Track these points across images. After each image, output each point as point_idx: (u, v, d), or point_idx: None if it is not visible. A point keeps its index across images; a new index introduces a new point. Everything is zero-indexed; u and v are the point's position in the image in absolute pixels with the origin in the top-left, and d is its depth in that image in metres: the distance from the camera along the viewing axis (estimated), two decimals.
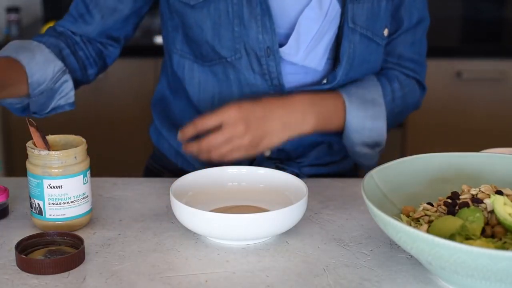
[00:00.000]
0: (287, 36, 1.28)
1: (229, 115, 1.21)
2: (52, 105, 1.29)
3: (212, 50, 1.29)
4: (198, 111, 1.35)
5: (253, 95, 1.29)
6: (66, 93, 1.30)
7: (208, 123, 1.21)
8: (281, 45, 1.28)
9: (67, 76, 1.29)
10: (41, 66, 1.25)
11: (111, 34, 1.38)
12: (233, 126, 1.20)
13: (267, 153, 1.35)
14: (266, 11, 1.25)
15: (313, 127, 1.28)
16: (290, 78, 1.31)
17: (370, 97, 1.32)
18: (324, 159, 1.40)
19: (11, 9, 2.62)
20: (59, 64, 1.28)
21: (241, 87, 1.30)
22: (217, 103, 1.32)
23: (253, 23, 1.25)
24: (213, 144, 1.21)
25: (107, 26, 1.36)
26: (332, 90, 1.31)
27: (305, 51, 1.28)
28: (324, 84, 1.31)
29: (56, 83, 1.27)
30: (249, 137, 1.21)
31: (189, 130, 1.23)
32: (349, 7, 1.27)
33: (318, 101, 1.28)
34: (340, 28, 1.29)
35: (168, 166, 1.45)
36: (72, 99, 1.31)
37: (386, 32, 1.33)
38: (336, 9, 1.27)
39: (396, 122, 1.42)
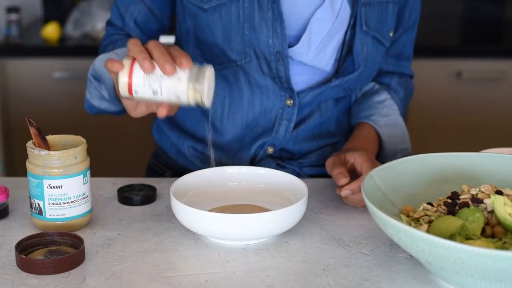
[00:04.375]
0: (298, 38, 1.28)
1: None
2: None
3: (222, 53, 1.29)
4: (202, 110, 1.36)
5: (263, 97, 1.31)
6: None
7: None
8: (291, 46, 1.28)
9: None
10: None
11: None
12: None
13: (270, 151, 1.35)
14: (278, 16, 1.25)
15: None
16: (298, 79, 1.32)
17: (394, 121, 1.41)
18: (325, 160, 1.40)
19: (11, 9, 2.62)
20: None
21: (252, 89, 1.31)
22: (227, 105, 1.33)
23: (263, 27, 1.25)
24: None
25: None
26: (364, 124, 1.39)
27: (315, 51, 1.29)
28: (333, 81, 1.32)
29: None
30: None
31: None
32: (362, 10, 1.28)
33: (370, 150, 1.34)
34: (348, 30, 1.30)
35: (170, 164, 1.45)
36: None
37: (391, 34, 1.36)
38: (346, 10, 1.29)
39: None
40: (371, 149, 1.34)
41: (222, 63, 1.31)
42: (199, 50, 1.33)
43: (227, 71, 1.31)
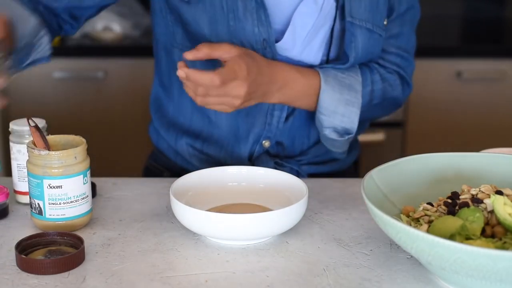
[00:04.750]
0: (282, 32, 1.28)
1: (239, 67, 1.17)
2: (29, 60, 1.22)
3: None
4: (194, 106, 1.35)
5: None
6: (43, 47, 1.23)
7: (212, 55, 1.18)
8: (276, 41, 1.28)
9: (45, 30, 1.22)
10: (21, 20, 1.17)
11: (74, 13, 1.32)
12: (236, 88, 1.17)
13: (267, 144, 1.35)
14: (261, 5, 1.24)
15: (278, 100, 1.27)
16: None
17: (348, 82, 1.29)
18: (323, 157, 1.40)
19: None
20: (37, 18, 1.20)
21: None
22: None
23: (248, 16, 1.25)
24: (207, 92, 1.17)
25: (73, 4, 1.31)
26: (312, 67, 1.30)
27: (301, 46, 1.28)
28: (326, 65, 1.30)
29: (34, 37, 1.20)
30: (241, 101, 1.18)
31: (190, 55, 1.18)
32: (345, 1, 1.26)
33: (292, 76, 1.26)
34: (336, 22, 1.29)
35: (168, 165, 1.45)
36: (48, 52, 1.25)
37: (386, 22, 1.31)
38: (330, 3, 1.27)
39: (374, 115, 1.40)
40: (281, 79, 1.25)
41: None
42: (188, 41, 1.32)
43: (216, 61, 1.30)
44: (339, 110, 1.29)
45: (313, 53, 1.30)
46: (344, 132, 1.30)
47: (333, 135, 1.30)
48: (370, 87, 1.32)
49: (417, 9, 1.37)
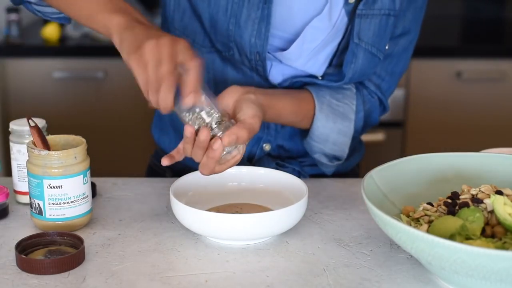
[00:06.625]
0: (291, 41, 1.27)
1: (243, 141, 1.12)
2: None
3: (209, 40, 1.29)
4: None
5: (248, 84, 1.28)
6: None
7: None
8: (283, 49, 1.27)
9: None
10: None
11: None
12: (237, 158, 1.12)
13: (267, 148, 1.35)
14: (266, 17, 1.22)
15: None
16: (286, 76, 1.30)
17: (342, 111, 1.30)
18: None
19: (11, 9, 2.62)
20: None
21: (237, 76, 1.30)
22: (212, 89, 1.28)
23: (248, 25, 1.23)
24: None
25: None
26: (308, 91, 1.30)
27: (306, 58, 1.27)
28: (319, 80, 1.30)
29: None
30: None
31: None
32: (356, 21, 1.25)
33: (287, 110, 1.25)
34: (344, 39, 1.28)
35: (170, 164, 1.44)
36: None
37: (387, 47, 1.31)
38: (344, 21, 1.26)
39: (357, 138, 1.42)
40: (271, 115, 1.21)
41: (210, 46, 1.29)
42: (189, 29, 1.30)
43: (214, 55, 1.30)
44: (331, 138, 1.30)
45: (318, 66, 1.29)
46: (334, 157, 1.33)
47: (323, 159, 1.32)
48: (362, 113, 1.33)
49: (414, 34, 1.35)
